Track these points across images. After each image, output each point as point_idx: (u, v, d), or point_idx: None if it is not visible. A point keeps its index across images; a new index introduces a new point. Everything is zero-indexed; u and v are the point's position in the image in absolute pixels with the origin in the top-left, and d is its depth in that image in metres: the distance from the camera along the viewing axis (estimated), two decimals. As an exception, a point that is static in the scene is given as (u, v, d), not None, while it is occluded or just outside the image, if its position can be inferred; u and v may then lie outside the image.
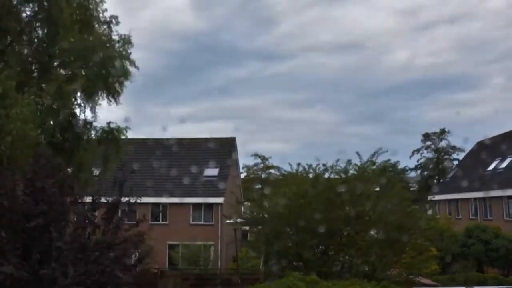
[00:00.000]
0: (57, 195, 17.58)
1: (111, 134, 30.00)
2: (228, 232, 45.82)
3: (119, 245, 18.31)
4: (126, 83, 30.07)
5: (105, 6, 29.28)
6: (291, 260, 31.18)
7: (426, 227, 32.70)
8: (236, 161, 65.00)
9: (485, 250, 42.18)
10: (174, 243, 52.15)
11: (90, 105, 29.65)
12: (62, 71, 28.66)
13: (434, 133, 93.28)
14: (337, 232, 30.77)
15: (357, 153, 32.23)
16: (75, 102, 29.14)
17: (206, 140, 60.82)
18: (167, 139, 59.53)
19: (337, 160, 31.99)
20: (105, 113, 31.96)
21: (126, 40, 29.86)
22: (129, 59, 29.80)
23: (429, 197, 70.24)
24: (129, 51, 29.92)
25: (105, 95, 29.65)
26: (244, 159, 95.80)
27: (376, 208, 29.96)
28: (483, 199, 56.27)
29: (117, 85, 29.77)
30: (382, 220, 29.91)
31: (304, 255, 29.97)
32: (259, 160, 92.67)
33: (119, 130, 30.21)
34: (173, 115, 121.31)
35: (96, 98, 29.37)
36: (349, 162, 31.90)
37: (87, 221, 18.34)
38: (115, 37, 29.72)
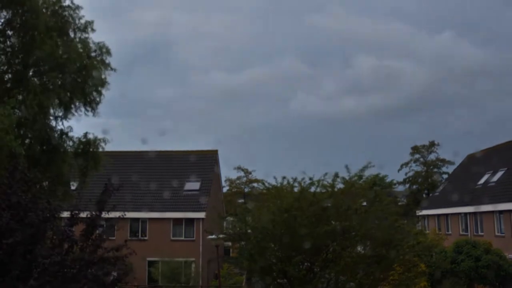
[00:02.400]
0: (33, 210, 17.53)
1: (88, 146, 29.91)
2: (209, 248, 45.83)
3: (98, 262, 18.30)
4: (104, 92, 30.04)
5: (82, 12, 29.21)
6: (275, 277, 31.14)
7: (414, 243, 32.79)
8: (218, 174, 65.05)
9: (475, 267, 42.31)
10: (154, 260, 52.11)
11: (67, 115, 29.57)
12: (37, 81, 28.49)
13: (423, 146, 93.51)
14: (323, 248, 30.76)
15: (346, 166, 32.26)
16: (51, 113, 29.04)
17: (187, 152, 60.82)
18: (147, 152, 59.51)
19: (325, 174, 32.04)
20: (83, 124, 31.89)
21: (103, 47, 29.80)
22: (106, 66, 29.71)
23: (418, 212, 70.49)
24: (106, 59, 29.91)
25: (82, 104, 29.56)
26: (227, 172, 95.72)
27: (363, 223, 30.01)
28: (474, 214, 56.49)
29: (94, 93, 29.69)
30: (369, 236, 29.96)
31: (288, 272, 29.96)
32: (242, 173, 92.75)
33: (96, 141, 30.14)
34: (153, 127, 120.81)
35: (73, 108, 29.27)
36: (336, 175, 31.93)
37: (64, 237, 18.29)
38: (91, 45, 29.67)
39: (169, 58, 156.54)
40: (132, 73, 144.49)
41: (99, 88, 29.65)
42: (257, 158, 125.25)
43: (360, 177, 32.09)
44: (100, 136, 30.41)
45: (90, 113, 30.03)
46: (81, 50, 28.95)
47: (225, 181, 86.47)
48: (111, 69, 30.01)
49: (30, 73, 28.53)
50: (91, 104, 29.73)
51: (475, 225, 56.80)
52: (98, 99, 29.93)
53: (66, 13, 28.62)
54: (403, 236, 31.64)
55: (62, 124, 29.70)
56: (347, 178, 32.06)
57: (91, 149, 30.00)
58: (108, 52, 29.91)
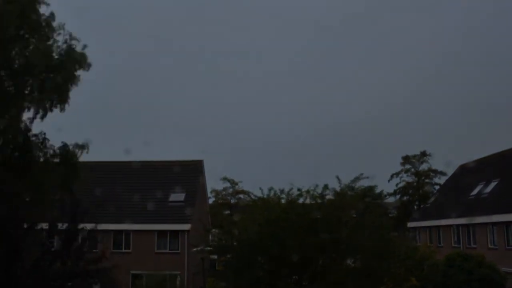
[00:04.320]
0: (13, 222, 17.52)
1: (67, 154, 29.70)
2: (195, 261, 45.81)
3: (80, 275, 18.31)
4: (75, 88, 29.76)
5: (51, 9, 28.94)
6: (262, 291, 31.17)
7: (405, 256, 32.87)
8: (204, 185, 64.99)
9: (467, 280, 42.22)
10: (138, 273, 51.90)
11: (42, 117, 29.27)
12: (9, 83, 28.31)
13: (414, 156, 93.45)
14: (312, 261, 30.81)
15: (337, 177, 32.29)
16: (25, 117, 28.85)
17: (172, 163, 60.72)
18: (130, 162, 59.35)
19: (316, 186, 32.07)
20: (63, 133, 31.67)
21: (73, 37, 29.54)
22: (78, 61, 29.44)
23: (409, 224, 70.51)
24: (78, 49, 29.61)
25: (55, 102, 29.25)
26: (213, 183, 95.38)
27: (353, 235, 30.06)
28: (466, 225, 56.47)
29: (69, 93, 29.43)
30: (359, 248, 30.03)
31: (276, 286, 30.00)
32: (228, 184, 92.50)
33: (75, 150, 29.96)
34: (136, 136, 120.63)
35: (47, 107, 28.96)
36: (325, 187, 31.97)
37: (46, 250, 18.29)
38: (58, 38, 29.40)
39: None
40: (116, 82, 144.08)
41: (69, 84, 29.32)
42: (244, 168, 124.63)
43: (351, 188, 32.15)
44: (80, 143, 30.22)
45: (58, 110, 29.67)
46: (51, 47, 28.70)
47: (211, 192, 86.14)
48: (85, 66, 29.68)
49: (2, 75, 28.32)
50: (62, 103, 29.39)
51: (467, 237, 56.78)
52: (69, 98, 29.60)
53: (35, 9, 28.31)
54: (394, 248, 31.72)
55: (40, 121, 29.37)
56: (337, 189, 32.15)
57: (70, 158, 29.79)
58: (76, 38, 29.64)
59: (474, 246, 54.06)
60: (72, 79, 29.22)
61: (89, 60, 29.64)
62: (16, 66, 27.64)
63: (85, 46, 29.52)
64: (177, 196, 56.70)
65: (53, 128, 30.17)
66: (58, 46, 29.20)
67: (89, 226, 19.73)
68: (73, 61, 29.10)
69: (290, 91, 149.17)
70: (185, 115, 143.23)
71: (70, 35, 29.45)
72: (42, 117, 29.23)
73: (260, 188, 32.81)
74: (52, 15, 29.03)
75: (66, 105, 29.54)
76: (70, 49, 29.27)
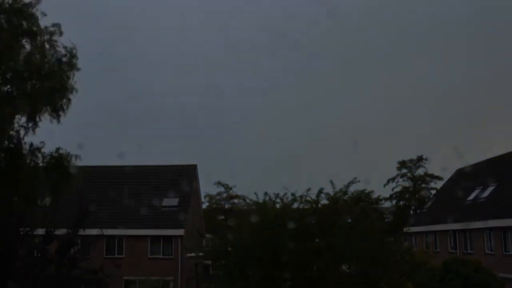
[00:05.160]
0: (6, 228, 17.55)
1: (60, 161, 29.74)
2: (188, 266, 45.90)
3: (73, 282, 18.34)
4: (72, 97, 29.89)
5: (49, 18, 29.08)
6: (257, 296, 31.19)
7: (401, 261, 32.90)
8: (198, 190, 65.02)
9: (464, 286, 42.31)
10: (131, 279, 51.95)
11: (34, 126, 29.36)
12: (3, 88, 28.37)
13: (411, 160, 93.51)
14: (307, 266, 30.86)
15: (331, 181, 32.33)
16: (18, 123, 28.92)
17: (165, 167, 60.76)
18: (123, 167, 59.36)
19: (308, 190, 32.10)
20: (55, 139, 31.79)
21: (72, 53, 29.67)
22: (75, 70, 29.54)
23: (405, 229, 70.58)
24: (75, 62, 29.74)
25: (49, 111, 29.33)
26: (206, 188, 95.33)
27: (348, 240, 30.10)
28: (463, 231, 56.61)
29: (64, 101, 29.51)
30: (354, 253, 30.08)
31: (271, 291, 30.04)
32: (222, 189, 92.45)
33: (68, 157, 30.01)
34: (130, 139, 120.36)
35: (39, 116, 29.07)
36: (320, 191, 32.00)
37: (39, 255, 18.33)
38: (59, 49, 29.55)
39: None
40: (109, 84, 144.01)
41: (67, 94, 29.45)
42: (238, 173, 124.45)
43: (345, 192, 32.19)
44: (73, 152, 30.33)
45: (55, 120, 29.83)
46: (49, 55, 28.79)
47: (205, 197, 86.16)
48: (77, 69, 29.80)
49: None
50: (57, 111, 29.51)
51: (464, 242, 56.91)
52: (65, 106, 29.77)
53: (32, 16, 28.43)
54: (390, 254, 31.77)
55: (33, 133, 29.54)
56: (331, 193, 32.18)
57: (63, 165, 29.82)
58: (74, 56, 29.76)
59: (471, 251, 54.20)
60: (64, 89, 29.35)
61: (80, 65, 29.85)
62: (8, 74, 27.70)
63: (75, 57, 29.72)
64: (171, 201, 56.71)
65: (46, 132, 30.24)
66: (52, 55, 29.34)
67: (84, 232, 19.71)
68: (64, 70, 29.23)
69: (284, 94, 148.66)
70: (179, 119, 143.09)
71: (66, 48, 29.65)
72: (33, 128, 29.41)
73: (255, 193, 32.85)
74: (57, 25, 29.29)
75: (62, 116, 29.76)
76: (61, 61, 29.42)
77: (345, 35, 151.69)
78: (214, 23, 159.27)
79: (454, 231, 59.01)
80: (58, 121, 29.81)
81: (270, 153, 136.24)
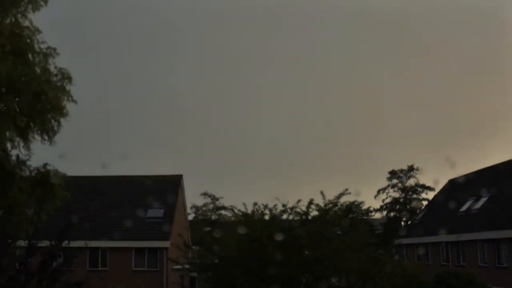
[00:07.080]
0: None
1: (47, 177, 29.79)
2: (174, 279, 45.93)
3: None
4: (63, 121, 29.98)
5: (42, 36, 29.19)
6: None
7: (392, 274, 32.95)
8: (183, 201, 65.03)
9: (457, 298, 42.47)
10: (115, 292, 51.89)
11: (23, 142, 29.49)
12: None
13: (401, 171, 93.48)
14: (295, 279, 30.89)
15: (321, 192, 32.37)
16: (7, 137, 28.95)
17: (149, 177, 60.68)
18: (106, 177, 59.37)
19: (298, 201, 32.16)
20: (39, 150, 31.80)
21: (65, 75, 29.78)
22: (67, 95, 29.65)
23: (396, 241, 70.66)
24: (67, 87, 29.84)
25: (39, 132, 29.47)
26: (192, 199, 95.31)
27: (337, 252, 30.14)
28: (456, 243, 56.72)
29: (53, 122, 29.59)
30: (344, 266, 30.13)
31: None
32: (209, 200, 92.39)
33: (56, 174, 30.09)
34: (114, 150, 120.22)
35: (30, 134, 29.21)
36: (310, 202, 32.05)
37: (21, 269, 18.34)
38: (52, 70, 29.64)
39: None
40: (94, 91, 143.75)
41: (58, 117, 29.55)
42: (225, 183, 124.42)
43: (336, 204, 32.26)
44: (60, 169, 30.45)
45: (46, 142, 29.94)
46: (41, 75, 28.83)
47: (191, 208, 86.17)
48: (72, 100, 29.97)
49: None
50: (48, 132, 29.61)
51: (457, 255, 57.02)
52: (56, 128, 29.85)
53: (26, 35, 28.57)
54: (380, 266, 31.82)
55: (19, 149, 29.65)
56: (321, 205, 32.24)
57: (49, 182, 29.86)
58: (69, 78, 29.88)
59: (463, 264, 54.35)
60: (62, 113, 29.45)
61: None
62: (3, 86, 27.77)
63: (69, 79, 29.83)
64: (156, 212, 56.70)
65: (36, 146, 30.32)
66: (50, 72, 29.43)
67: (68, 244, 19.75)
68: (63, 92, 29.37)
69: (273, 103, 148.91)
70: (164, 128, 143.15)
71: (59, 69, 29.74)
72: (25, 147, 29.55)
73: (244, 203, 32.87)
74: (50, 49, 29.39)
75: (54, 137, 29.84)
76: (64, 79, 29.56)
77: (340, 38, 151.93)
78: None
79: (446, 243, 59.10)
80: (50, 143, 29.90)
81: (259, 162, 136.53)
